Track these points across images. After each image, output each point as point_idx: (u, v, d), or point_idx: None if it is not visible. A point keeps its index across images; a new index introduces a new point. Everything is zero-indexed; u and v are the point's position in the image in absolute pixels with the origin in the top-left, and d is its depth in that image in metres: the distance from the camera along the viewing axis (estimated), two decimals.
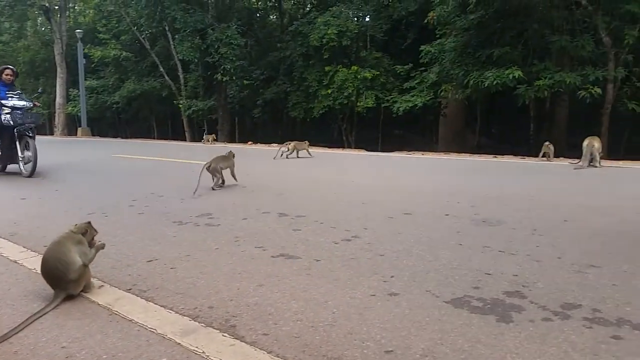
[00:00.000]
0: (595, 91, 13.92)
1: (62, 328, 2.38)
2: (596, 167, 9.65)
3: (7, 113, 8.23)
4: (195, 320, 2.44)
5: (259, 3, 31.39)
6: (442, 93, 18.86)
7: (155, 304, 2.67)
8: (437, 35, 19.77)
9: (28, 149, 8.44)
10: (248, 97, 29.66)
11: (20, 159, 8.51)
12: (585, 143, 10.09)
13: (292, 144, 12.57)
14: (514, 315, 2.48)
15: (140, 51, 31.71)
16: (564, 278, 2.99)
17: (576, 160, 10.33)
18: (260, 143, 21.94)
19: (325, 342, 2.20)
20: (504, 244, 3.74)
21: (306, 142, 13.14)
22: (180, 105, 27.85)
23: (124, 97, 31.14)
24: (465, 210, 5.04)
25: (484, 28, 16.83)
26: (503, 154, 13.75)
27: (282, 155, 12.26)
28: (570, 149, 19.45)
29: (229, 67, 23.88)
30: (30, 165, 8.36)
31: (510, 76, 14.44)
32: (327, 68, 22.84)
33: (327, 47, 22.19)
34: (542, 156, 11.62)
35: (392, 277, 3.06)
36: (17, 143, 8.45)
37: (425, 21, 19.43)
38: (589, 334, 2.24)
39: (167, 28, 27.04)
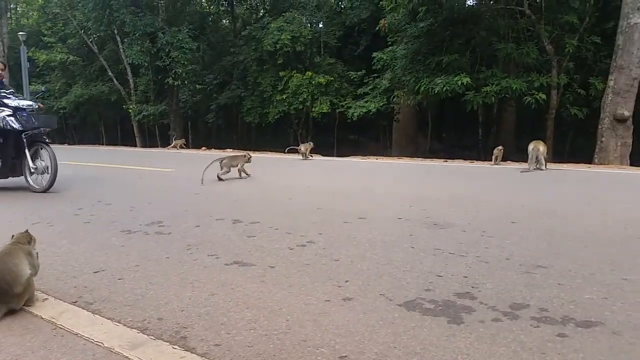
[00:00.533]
0: (540, 97, 14.53)
1: (2, 345, 2.25)
2: (542, 170, 10.04)
3: (9, 115, 6.86)
4: (143, 333, 2.36)
5: (211, 7, 31.04)
6: (394, 99, 19.20)
7: (102, 316, 2.57)
8: (389, 43, 20.17)
9: (41, 158, 7.27)
10: (201, 101, 29.28)
11: (32, 170, 7.25)
12: (530, 147, 10.48)
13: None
14: (465, 316, 2.53)
15: (88, 55, 30.76)
16: (512, 279, 3.08)
17: (523, 165, 10.74)
18: (215, 148, 21.68)
19: (279, 350, 2.17)
20: (454, 246, 3.82)
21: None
22: (130, 110, 27.15)
23: (72, 102, 30.10)
24: (418, 213, 5.13)
25: (433, 36, 17.29)
26: (454, 159, 14.14)
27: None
28: (517, 153, 20.22)
29: (180, 71, 23.51)
30: (47, 177, 7.18)
31: (459, 82, 14.89)
32: (281, 73, 22.85)
33: (281, 52, 22.22)
34: (495, 161, 11.84)
35: (346, 281, 3.07)
36: (27, 151, 7.12)
37: (377, 28, 19.75)
38: (537, 333, 2.31)
39: (115, 31, 26.33)
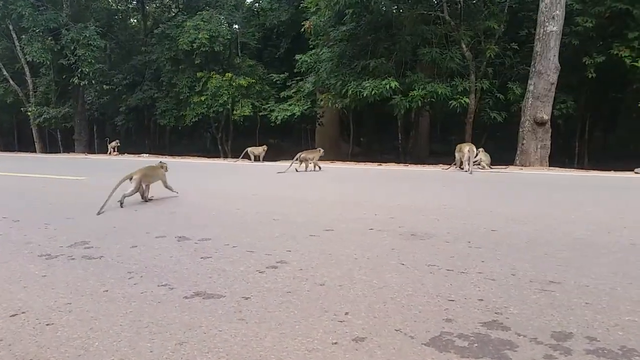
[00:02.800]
0: (464, 101, 14.80)
1: None
2: (475, 171, 10.17)
3: None
4: None
5: (119, 4, 29.06)
6: (321, 102, 18.88)
7: None
8: (311, 46, 19.87)
9: None
10: (109, 103, 27.30)
11: None
12: (465, 149, 10.60)
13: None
14: (510, 354, 2.06)
15: None
16: (532, 299, 2.67)
17: (449, 166, 10.95)
18: (128, 153, 20.11)
19: None
20: (447, 261, 3.37)
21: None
22: (29, 113, 24.51)
23: None
24: (386, 222, 4.65)
25: (357, 39, 17.17)
26: (374, 162, 14.06)
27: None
28: (431, 156, 20.76)
29: (87, 70, 21.63)
30: None
31: (387, 86, 14.80)
32: (199, 74, 21.75)
33: (199, 51, 21.13)
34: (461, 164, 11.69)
35: (346, 313, 2.50)
36: None
37: (302, 30, 19.35)
38: None
39: (11, 26, 23.62)
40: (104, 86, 25.94)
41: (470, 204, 5.88)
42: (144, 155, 19.64)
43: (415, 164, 14.38)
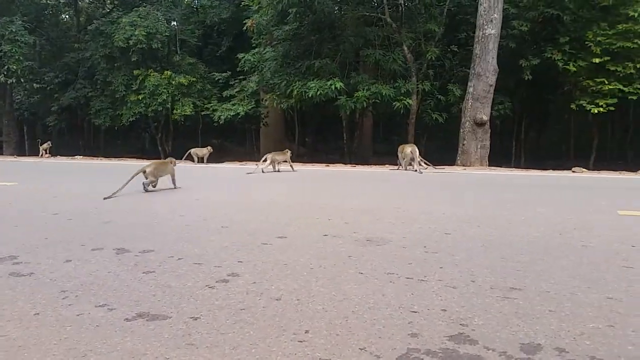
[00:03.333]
0: (407, 102, 15.00)
1: None
2: (419, 172, 10.37)
3: None
4: None
5: None
6: (266, 102, 18.61)
7: None
8: (254, 44, 19.61)
9: None
10: (40, 102, 25.80)
11: None
12: (408, 150, 10.77)
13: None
14: None
15: None
16: (495, 308, 2.59)
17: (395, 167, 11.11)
18: (61, 155, 19.02)
19: None
20: (406, 268, 3.27)
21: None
22: None
23: None
24: (341, 228, 4.52)
25: (302, 39, 17.05)
26: (319, 162, 14.02)
27: None
28: (374, 156, 21.00)
29: (14, 67, 20.31)
30: None
31: (332, 87, 14.78)
32: (136, 72, 20.95)
33: (135, 49, 20.34)
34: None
35: (306, 332, 2.32)
36: None
37: (244, 28, 18.99)
38: None
39: None
40: (34, 85, 24.50)
41: (422, 206, 5.86)
42: (78, 157, 18.62)
43: (361, 164, 14.43)
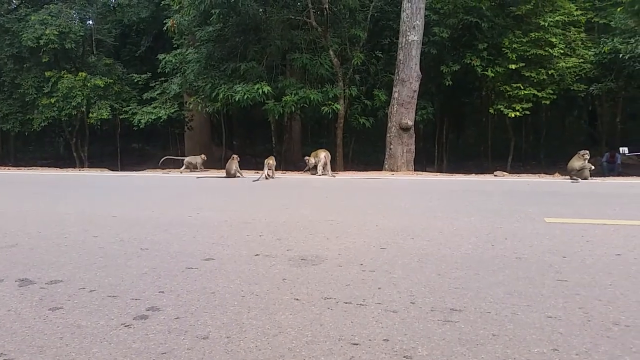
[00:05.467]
0: (335, 107, 15.03)
1: None
2: (332, 176, 11.15)
3: None
4: None
5: None
6: (190, 105, 17.97)
7: None
8: (175, 45, 18.94)
9: None
10: None
11: None
12: (322, 155, 11.37)
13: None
14: None
15: None
16: (438, 334, 2.48)
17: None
18: None
19: None
20: (344, 291, 3.10)
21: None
22: None
23: None
24: (274, 245, 4.27)
25: (226, 41, 16.63)
26: (249, 169, 13.74)
27: None
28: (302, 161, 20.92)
29: None
30: None
31: (260, 91, 14.51)
32: (47, 73, 19.55)
33: (47, 49, 18.97)
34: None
35: None
36: None
37: (165, 28, 18.21)
38: None
39: None
40: None
41: (354, 218, 5.74)
42: None
43: (291, 171, 14.28)
